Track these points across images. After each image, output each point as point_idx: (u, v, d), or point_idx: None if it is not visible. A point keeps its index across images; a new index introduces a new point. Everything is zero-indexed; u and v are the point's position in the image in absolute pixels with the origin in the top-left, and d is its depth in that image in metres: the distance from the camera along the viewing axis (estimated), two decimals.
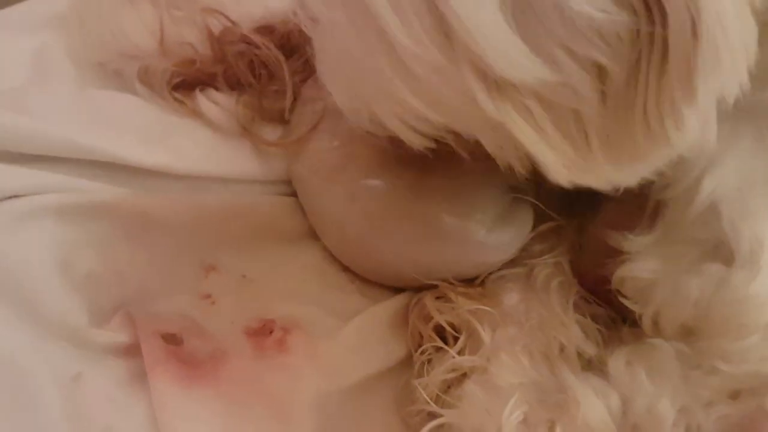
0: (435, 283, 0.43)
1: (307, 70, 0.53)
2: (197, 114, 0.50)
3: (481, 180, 0.42)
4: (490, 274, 0.43)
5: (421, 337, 0.41)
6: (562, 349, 0.39)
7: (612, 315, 0.41)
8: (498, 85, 0.26)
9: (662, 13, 0.24)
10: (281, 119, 0.52)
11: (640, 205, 0.37)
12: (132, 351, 0.39)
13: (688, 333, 0.35)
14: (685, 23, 0.24)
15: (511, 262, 0.44)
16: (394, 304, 0.43)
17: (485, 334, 0.38)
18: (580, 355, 0.39)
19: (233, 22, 0.53)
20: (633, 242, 0.37)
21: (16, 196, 0.41)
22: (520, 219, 0.44)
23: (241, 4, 0.56)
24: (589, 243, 0.42)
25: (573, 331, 0.40)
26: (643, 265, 0.37)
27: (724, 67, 0.25)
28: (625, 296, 0.38)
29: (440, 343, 0.39)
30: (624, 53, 0.25)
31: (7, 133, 0.42)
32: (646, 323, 0.37)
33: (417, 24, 0.26)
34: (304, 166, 0.48)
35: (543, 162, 0.28)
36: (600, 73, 0.26)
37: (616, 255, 0.38)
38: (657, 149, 0.27)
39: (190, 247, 0.45)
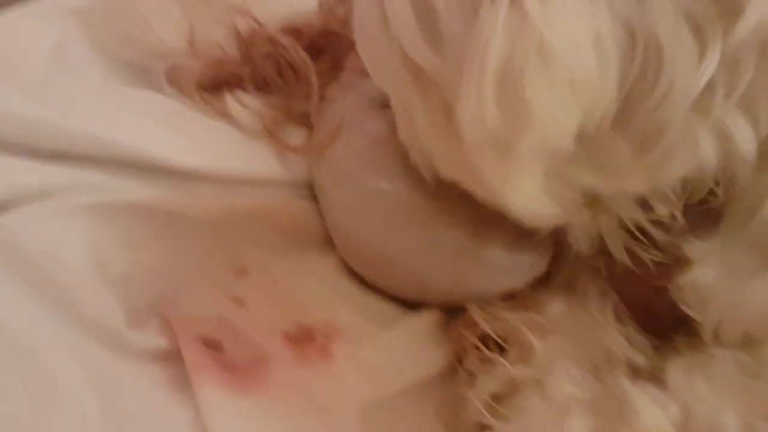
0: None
1: (333, 72, 0.53)
2: (225, 115, 0.49)
3: None
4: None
5: (464, 346, 0.40)
6: (610, 359, 0.39)
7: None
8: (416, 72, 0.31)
9: None
10: (307, 122, 0.51)
11: (703, 212, 0.37)
12: (171, 355, 0.37)
13: (750, 342, 0.35)
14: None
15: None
16: (431, 313, 0.43)
17: (538, 345, 0.37)
18: (629, 365, 0.39)
19: (260, 23, 0.52)
20: (696, 247, 0.36)
21: (48, 196, 0.39)
22: (543, 239, 0.42)
23: (266, 3, 0.55)
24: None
25: (618, 340, 0.40)
26: (705, 271, 0.36)
27: None
28: (685, 305, 0.37)
29: (489, 354, 0.38)
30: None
31: (42, 130, 0.40)
32: (707, 332, 0.37)
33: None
34: (321, 171, 0.47)
35: (433, 152, 0.34)
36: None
37: (671, 267, 0.38)
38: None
39: (221, 249, 0.44)
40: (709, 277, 0.36)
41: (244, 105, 0.49)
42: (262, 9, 0.54)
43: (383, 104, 0.48)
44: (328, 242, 0.47)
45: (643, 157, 0.30)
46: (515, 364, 0.37)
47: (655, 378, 0.38)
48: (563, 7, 0.27)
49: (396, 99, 0.38)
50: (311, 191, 0.49)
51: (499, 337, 0.39)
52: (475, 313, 0.40)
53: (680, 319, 0.40)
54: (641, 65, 0.28)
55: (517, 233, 0.40)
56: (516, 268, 0.42)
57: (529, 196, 0.32)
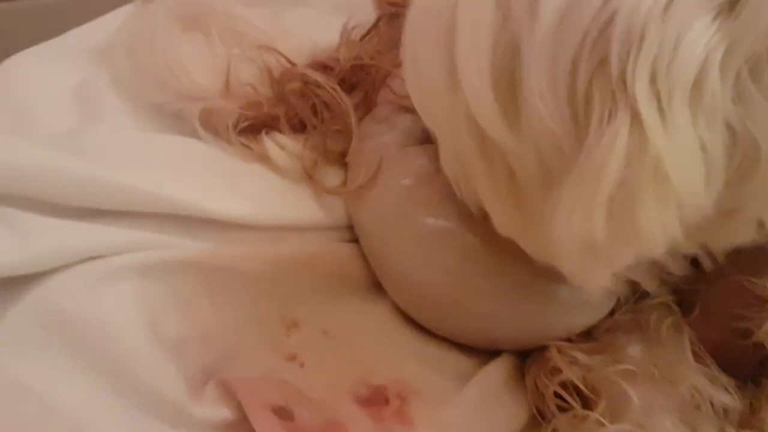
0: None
1: (366, 107, 0.51)
2: (264, 158, 0.46)
3: None
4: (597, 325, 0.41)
5: (543, 394, 0.38)
6: (698, 403, 0.37)
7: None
8: (480, 135, 0.30)
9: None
10: (344, 161, 0.49)
11: None
12: (237, 425, 0.35)
13: None
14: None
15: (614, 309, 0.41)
16: (504, 362, 0.40)
17: (635, 396, 0.35)
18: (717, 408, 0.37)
19: (291, 62, 0.50)
20: None
21: (95, 257, 0.36)
22: None
23: (289, 39, 0.53)
24: (716, 301, 0.40)
25: (700, 381, 0.38)
26: None
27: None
28: None
29: (579, 408, 0.36)
30: (561, 162, 0.28)
31: (81, 186, 0.37)
32: None
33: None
34: (366, 214, 0.45)
35: (488, 208, 0.33)
36: (544, 164, 0.29)
37: (754, 308, 0.36)
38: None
39: (270, 302, 0.41)
40: None
41: (282, 147, 0.47)
42: (285, 45, 0.52)
43: (423, 140, 0.46)
44: (376, 287, 0.45)
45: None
46: (607, 416, 0.35)
47: (749, 423, 0.36)
48: (678, 124, 0.26)
49: (450, 148, 0.36)
50: (352, 233, 0.47)
51: (585, 385, 0.36)
52: (557, 359, 0.37)
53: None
54: (739, 164, 0.28)
55: None
56: (585, 304, 0.39)
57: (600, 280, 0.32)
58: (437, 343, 0.42)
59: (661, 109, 0.26)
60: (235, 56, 0.49)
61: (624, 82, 0.26)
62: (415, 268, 0.42)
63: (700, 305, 0.40)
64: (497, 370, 0.39)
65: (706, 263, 0.36)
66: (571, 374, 0.36)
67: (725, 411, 0.38)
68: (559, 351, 0.38)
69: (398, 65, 0.48)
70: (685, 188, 0.27)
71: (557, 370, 0.38)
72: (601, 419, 0.35)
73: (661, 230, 0.28)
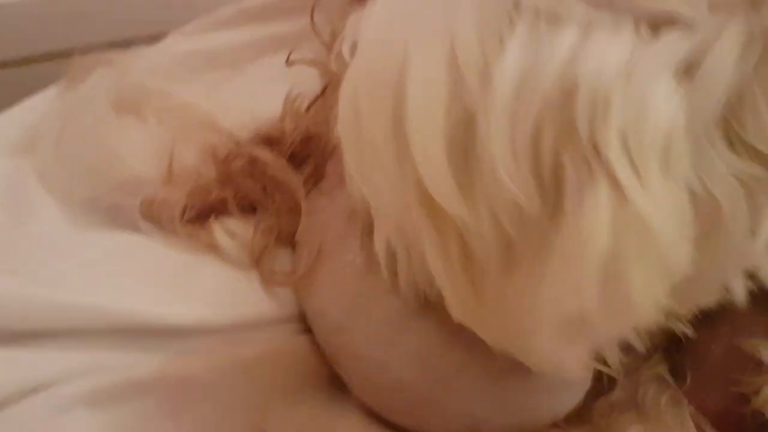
0: None
1: (316, 179, 0.48)
2: (214, 248, 0.42)
3: None
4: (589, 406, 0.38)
5: None
6: None
7: None
8: (431, 205, 0.28)
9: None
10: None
11: None
12: None
13: None
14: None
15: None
16: None
17: None
18: None
19: (236, 139, 0.47)
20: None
21: (38, 389, 0.32)
22: None
23: (229, 114, 0.50)
24: (709, 364, 0.38)
25: None
26: None
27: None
28: None
29: None
30: (530, 237, 0.27)
31: (12, 307, 0.33)
32: None
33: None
34: (316, 301, 0.41)
35: (446, 296, 0.30)
36: (505, 240, 0.27)
37: (749, 371, 0.35)
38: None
39: (237, 413, 0.38)
40: None
41: (232, 234, 0.43)
42: (225, 120, 0.48)
43: None
44: (333, 381, 0.41)
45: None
46: None
47: None
48: (655, 186, 0.25)
49: (392, 223, 0.33)
50: (304, 323, 0.42)
51: None
52: None
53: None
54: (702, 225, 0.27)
55: None
56: (568, 383, 0.37)
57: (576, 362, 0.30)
58: None
59: (637, 173, 0.25)
60: (174, 139, 0.45)
61: (596, 148, 0.25)
62: (379, 360, 0.38)
63: (692, 370, 0.39)
64: None
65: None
66: None
67: None
68: None
69: None
70: (669, 249, 0.25)
71: None
72: None
73: (651, 296, 0.26)
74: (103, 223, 0.42)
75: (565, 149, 0.25)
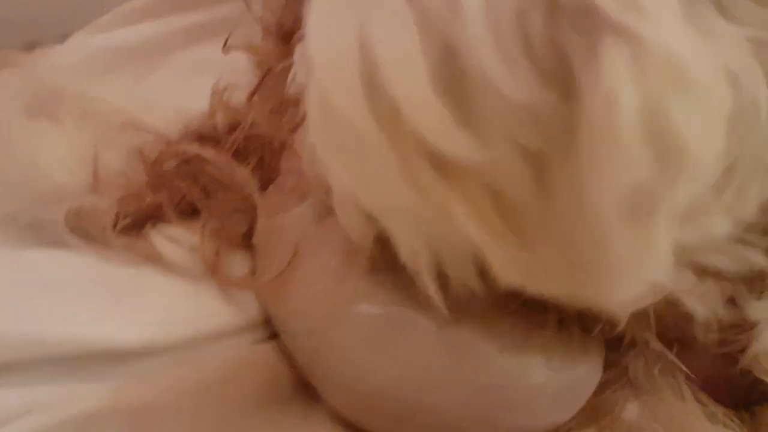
0: None
1: (265, 176, 0.44)
2: (155, 258, 0.38)
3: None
4: None
5: None
6: None
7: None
8: (441, 166, 0.24)
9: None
10: (249, 243, 0.41)
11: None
12: None
13: None
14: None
15: None
16: None
17: None
18: None
19: (166, 139, 0.43)
20: (758, 309, 0.33)
21: None
22: (594, 347, 0.35)
23: (152, 110, 0.45)
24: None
25: (704, 426, 0.34)
26: None
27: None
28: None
29: None
30: (557, 139, 0.23)
31: None
32: None
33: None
34: (290, 308, 0.37)
35: (491, 261, 0.26)
36: (534, 159, 0.24)
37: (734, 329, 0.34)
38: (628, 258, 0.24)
39: None
40: None
41: (174, 241, 0.39)
42: (150, 119, 0.44)
43: None
44: (305, 390, 0.37)
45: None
46: None
47: None
48: (669, 21, 0.22)
49: (388, 206, 0.28)
50: (269, 329, 0.39)
51: None
52: None
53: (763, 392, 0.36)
54: None
55: (564, 342, 0.33)
56: (567, 390, 0.34)
57: (652, 274, 0.25)
58: None
59: (642, 12, 0.22)
60: (96, 142, 0.40)
61: (587, 8, 0.22)
62: (361, 367, 0.34)
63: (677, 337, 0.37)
64: None
65: None
66: None
67: None
68: None
69: (302, 124, 0.42)
70: (709, 82, 0.23)
71: None
72: None
73: (710, 142, 0.23)
74: (23, 241, 0.37)
75: (554, 24, 0.23)
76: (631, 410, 0.34)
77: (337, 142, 0.27)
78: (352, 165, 0.28)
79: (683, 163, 0.23)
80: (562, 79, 0.23)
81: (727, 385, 0.37)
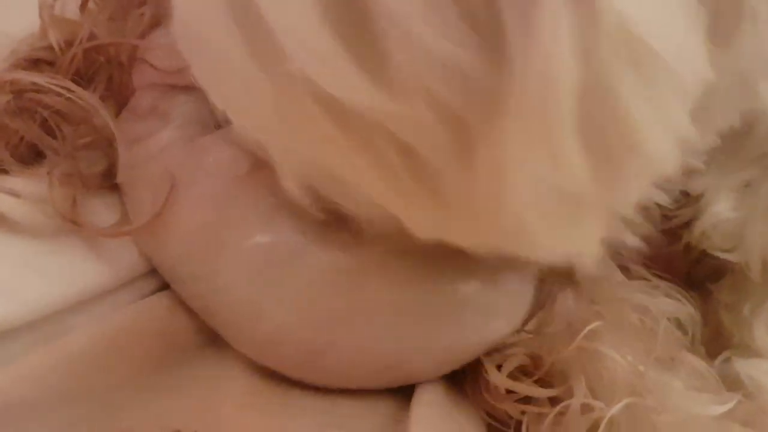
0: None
1: (117, 99, 0.37)
2: None
3: None
4: None
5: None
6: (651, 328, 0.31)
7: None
8: (335, 112, 0.20)
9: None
10: (112, 183, 0.35)
11: None
12: None
13: None
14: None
15: None
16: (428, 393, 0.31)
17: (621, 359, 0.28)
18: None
19: None
20: (699, 182, 0.31)
21: None
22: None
23: None
24: None
25: (640, 298, 0.32)
26: (721, 206, 0.31)
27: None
28: (716, 250, 0.32)
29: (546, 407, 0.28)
30: (482, 106, 0.19)
31: None
32: (755, 268, 0.32)
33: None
34: (173, 251, 0.32)
35: (399, 216, 0.23)
36: (454, 122, 0.20)
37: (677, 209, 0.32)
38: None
39: (95, 412, 0.29)
40: (730, 209, 0.31)
41: (16, 194, 0.32)
42: None
43: (215, 123, 0.34)
44: (214, 337, 0.33)
45: None
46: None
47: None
48: None
49: (296, 151, 0.24)
50: (155, 280, 0.34)
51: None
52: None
53: (712, 267, 0.34)
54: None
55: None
56: (507, 302, 0.31)
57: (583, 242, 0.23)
58: (332, 400, 0.32)
59: None
60: None
61: None
62: (257, 305, 0.30)
63: None
64: (427, 413, 0.30)
65: None
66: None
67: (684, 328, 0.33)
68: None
69: (150, 29, 0.35)
70: (674, 52, 0.18)
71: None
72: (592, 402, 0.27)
73: (667, 124, 0.19)
74: None
75: None
76: (565, 298, 0.32)
77: (205, 64, 0.23)
78: (225, 92, 0.24)
79: (630, 163, 0.19)
80: (495, 40, 0.18)
81: (669, 263, 0.35)
